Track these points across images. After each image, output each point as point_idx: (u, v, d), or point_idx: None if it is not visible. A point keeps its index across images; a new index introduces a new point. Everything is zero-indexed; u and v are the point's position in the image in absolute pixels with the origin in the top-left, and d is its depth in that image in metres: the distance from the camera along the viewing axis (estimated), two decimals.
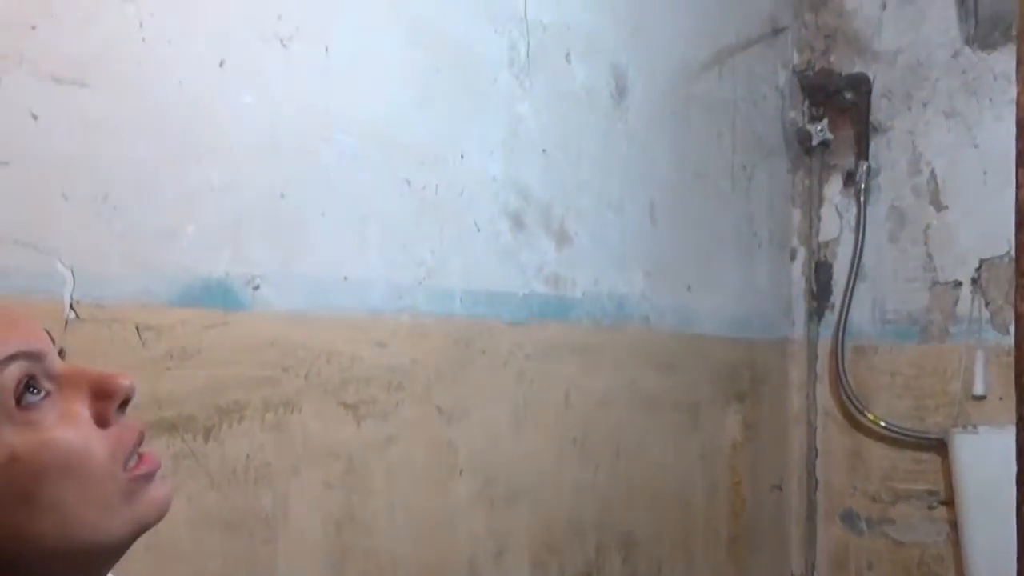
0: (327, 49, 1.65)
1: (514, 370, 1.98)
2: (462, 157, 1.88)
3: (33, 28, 1.28)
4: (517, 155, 1.99)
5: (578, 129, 2.14)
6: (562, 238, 2.10)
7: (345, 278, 1.67)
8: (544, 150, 2.05)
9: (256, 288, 1.53)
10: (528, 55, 2.02)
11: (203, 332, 1.45)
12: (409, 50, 1.80)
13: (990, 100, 2.54)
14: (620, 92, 2.25)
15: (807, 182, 2.83)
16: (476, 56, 1.92)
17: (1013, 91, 2.59)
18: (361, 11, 1.71)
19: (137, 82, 1.41)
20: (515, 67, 2.00)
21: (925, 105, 2.65)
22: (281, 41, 1.59)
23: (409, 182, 1.78)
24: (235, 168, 1.52)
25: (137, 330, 1.38)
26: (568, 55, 2.11)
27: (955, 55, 2.60)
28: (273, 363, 1.54)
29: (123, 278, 1.37)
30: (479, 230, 1.91)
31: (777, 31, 2.76)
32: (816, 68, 2.81)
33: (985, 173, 2.54)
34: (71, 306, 1.31)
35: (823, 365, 2.79)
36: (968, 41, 2.58)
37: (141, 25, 1.41)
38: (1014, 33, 2.52)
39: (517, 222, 2.00)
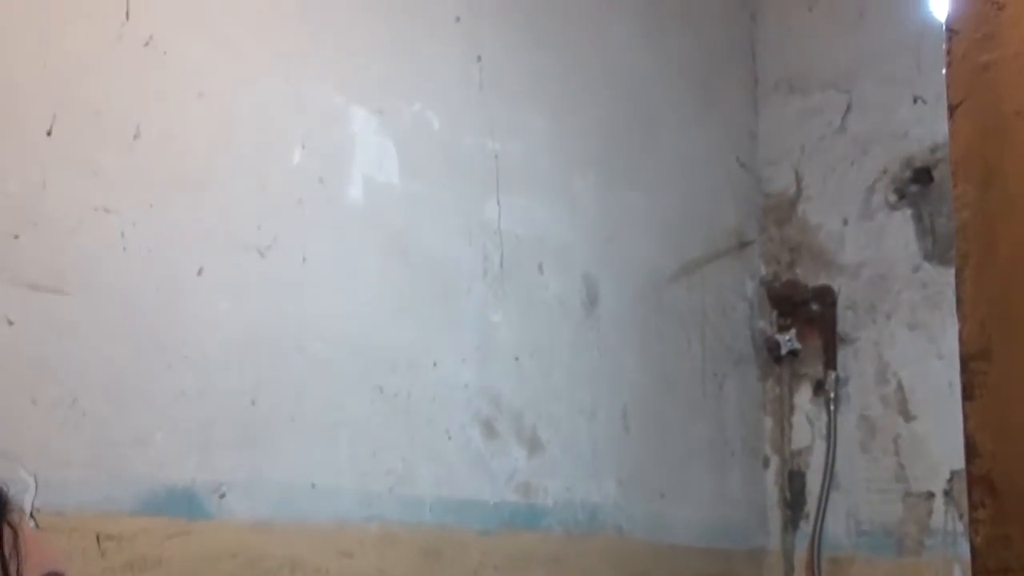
0: (304, 259, 1.70)
1: None
2: (435, 364, 1.90)
3: (16, 238, 1.31)
4: (490, 363, 2.01)
5: (550, 337, 2.17)
6: (534, 446, 2.09)
7: (313, 486, 1.65)
8: (516, 358, 2.07)
9: (222, 496, 1.51)
10: (502, 265, 2.07)
11: (165, 542, 1.42)
12: (385, 260, 1.84)
13: (951, 313, 2.60)
14: (591, 301, 2.29)
15: (777, 390, 2.86)
16: (451, 267, 1.97)
17: None
18: (338, 223, 1.77)
19: (115, 289, 1.43)
20: (489, 277, 2.04)
21: (889, 317, 2.71)
22: (259, 251, 1.63)
23: (381, 389, 1.79)
24: (207, 374, 1.52)
25: (97, 539, 1.35)
26: (541, 266, 2.17)
27: (916, 269, 2.68)
28: (235, 574, 1.50)
29: (86, 485, 1.35)
30: (450, 438, 1.91)
31: (744, 244, 2.84)
32: (783, 280, 2.88)
33: (951, 384, 2.56)
34: (31, 514, 1.29)
35: None
36: (927, 256, 2.67)
37: (123, 235, 1.44)
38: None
39: (489, 429, 1.99)
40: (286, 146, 1.70)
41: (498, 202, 2.08)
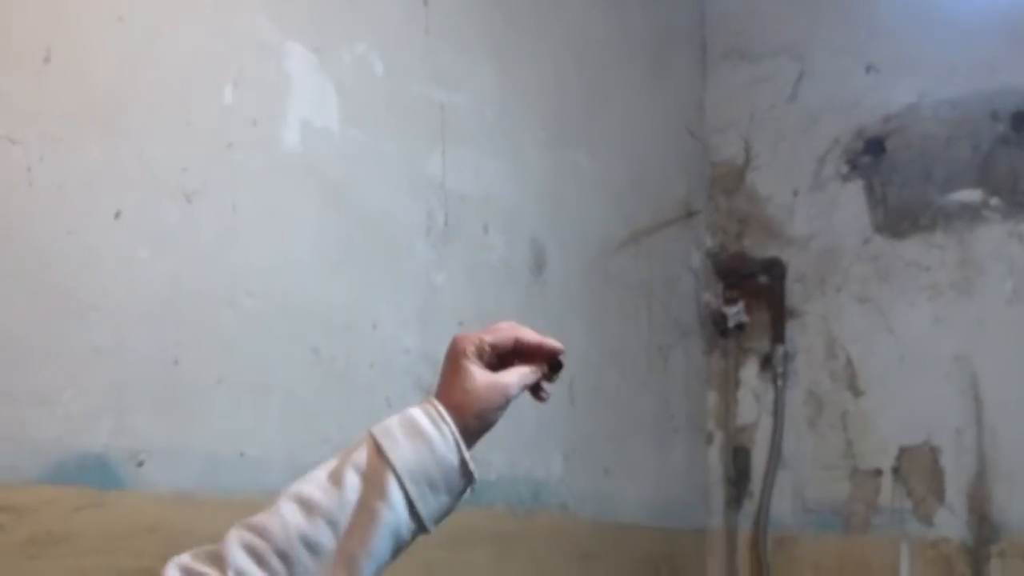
0: (235, 207, 1.55)
1: (422, 562, 1.80)
2: (374, 327, 1.77)
3: None
4: (432, 326, 1.89)
5: (495, 301, 2.05)
6: None
7: (241, 454, 1.51)
8: (460, 322, 1.95)
9: (140, 464, 1.36)
10: (446, 224, 1.94)
11: (73, 515, 1.27)
12: (322, 213, 1.70)
13: (902, 287, 2.55)
14: (538, 266, 2.18)
15: (723, 364, 2.77)
16: (392, 223, 1.83)
17: (924, 278, 2.62)
18: (273, 171, 1.62)
19: (19, 231, 1.27)
20: (432, 236, 1.91)
21: (838, 290, 2.64)
22: (185, 195, 1.48)
23: (316, 351, 1.65)
24: (124, 329, 1.37)
25: None
26: (486, 227, 2.04)
27: (866, 242, 2.61)
28: (153, 552, 1.35)
29: None
30: (390, 405, 1.77)
31: (691, 214, 2.75)
32: (730, 251, 2.80)
33: (901, 359, 2.52)
34: None
35: (743, 557, 2.66)
36: (878, 229, 2.60)
37: (29, 169, 1.29)
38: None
39: None
40: (216, 83, 1.54)
41: (443, 156, 1.95)
